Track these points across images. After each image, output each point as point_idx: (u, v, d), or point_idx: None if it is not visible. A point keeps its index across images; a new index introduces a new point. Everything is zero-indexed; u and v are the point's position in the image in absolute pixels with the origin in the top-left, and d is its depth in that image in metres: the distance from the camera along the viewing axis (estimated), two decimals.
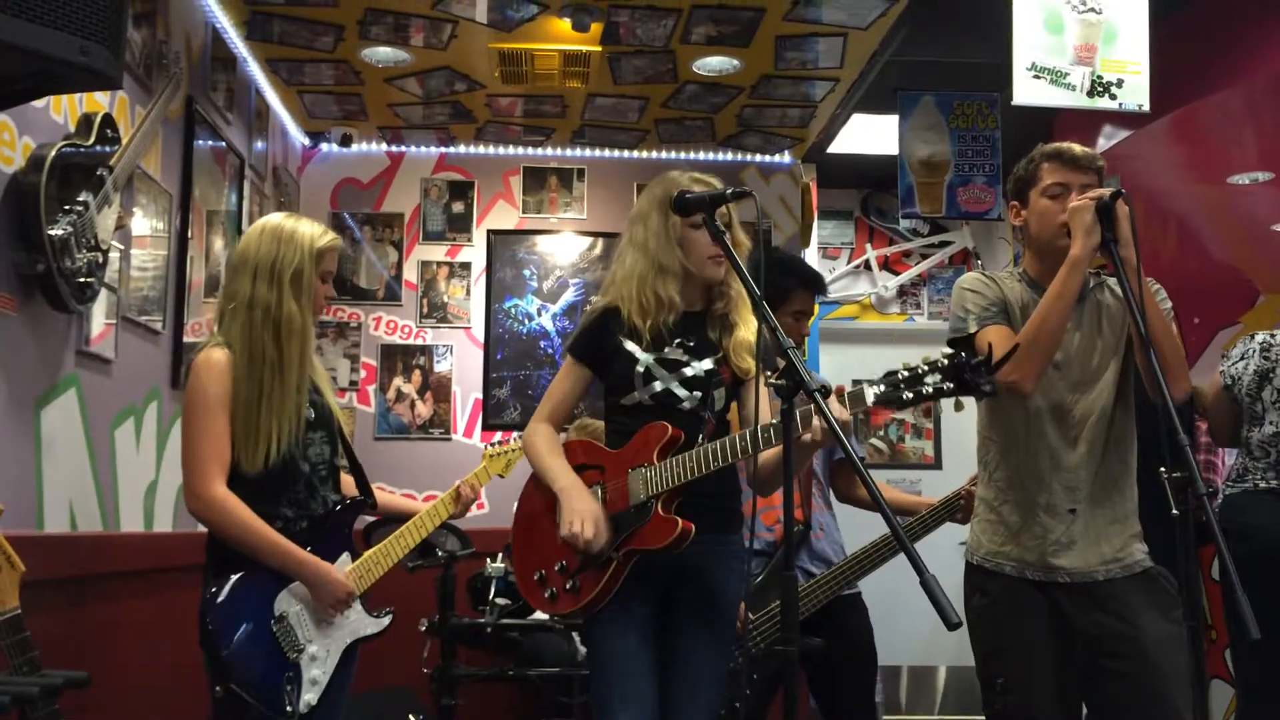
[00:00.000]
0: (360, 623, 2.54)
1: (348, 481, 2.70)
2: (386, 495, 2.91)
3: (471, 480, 2.89)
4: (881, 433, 6.40)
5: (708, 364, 2.39)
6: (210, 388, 2.37)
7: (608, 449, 2.42)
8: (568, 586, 2.36)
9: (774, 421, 2.08)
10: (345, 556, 2.53)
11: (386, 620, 2.60)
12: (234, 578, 2.35)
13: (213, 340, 2.44)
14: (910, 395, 1.90)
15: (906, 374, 1.90)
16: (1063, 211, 2.40)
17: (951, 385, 1.86)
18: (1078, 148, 2.47)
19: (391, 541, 2.67)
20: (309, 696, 2.37)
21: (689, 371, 2.38)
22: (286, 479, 2.44)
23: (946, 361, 1.86)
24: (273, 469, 2.39)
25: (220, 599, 2.34)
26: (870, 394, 1.99)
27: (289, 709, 2.32)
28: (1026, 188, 2.52)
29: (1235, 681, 3.80)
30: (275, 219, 2.53)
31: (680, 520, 2.25)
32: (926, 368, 1.88)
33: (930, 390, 1.87)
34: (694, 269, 2.39)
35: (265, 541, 2.35)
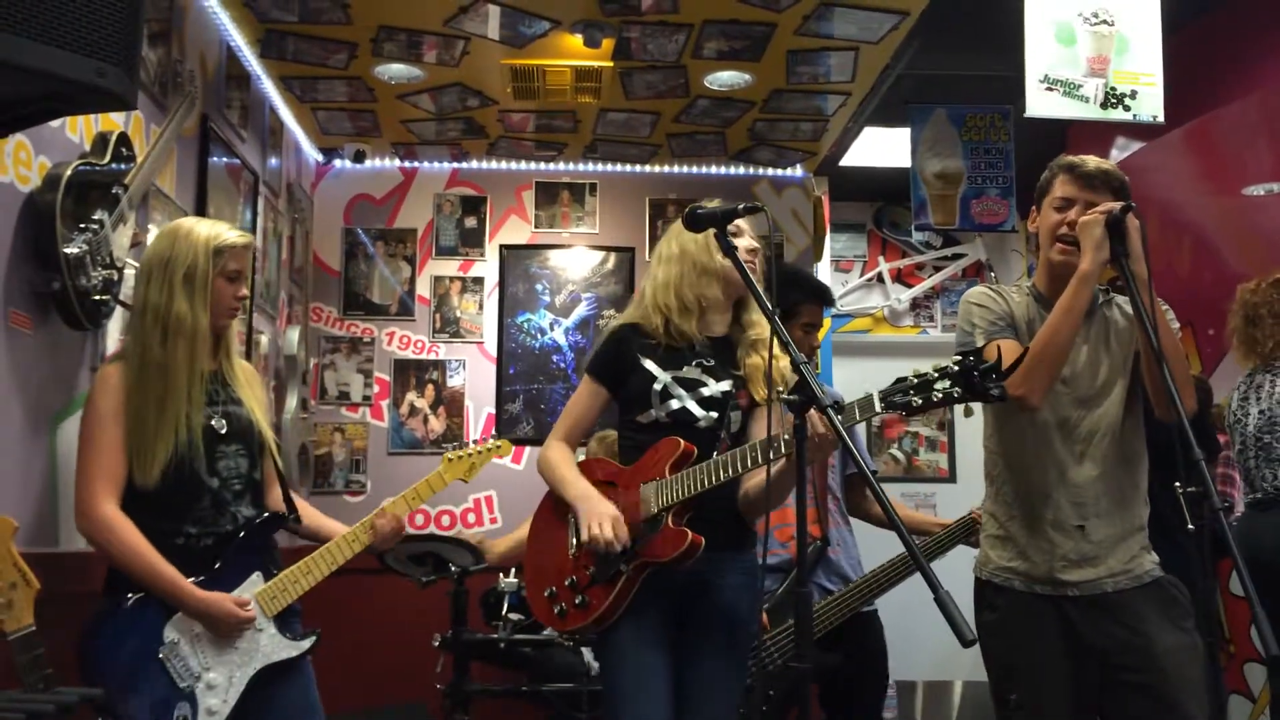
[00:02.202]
0: (273, 647, 2.39)
1: (277, 496, 2.59)
2: (318, 517, 2.70)
3: (393, 510, 2.64)
4: (896, 446, 6.38)
5: (725, 385, 2.40)
6: (100, 402, 2.31)
7: (622, 465, 2.43)
8: (577, 602, 2.37)
9: (782, 434, 2.08)
10: (256, 576, 2.41)
11: (306, 644, 2.44)
12: (122, 600, 2.26)
13: (119, 348, 2.37)
14: (919, 401, 1.89)
15: (916, 380, 1.90)
16: (1061, 225, 2.41)
17: (960, 391, 1.85)
18: (1093, 163, 2.46)
19: (316, 558, 2.49)
20: None
21: (706, 391, 2.39)
22: (188, 495, 2.34)
23: (956, 367, 1.86)
24: (169, 482, 2.30)
25: (103, 624, 2.24)
26: (878, 400, 1.98)
27: None
28: (1041, 196, 2.53)
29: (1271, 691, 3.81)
30: (179, 220, 2.46)
31: (690, 533, 2.26)
32: (936, 374, 1.88)
33: (940, 396, 1.86)
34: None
35: (149, 569, 2.24)
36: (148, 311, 2.35)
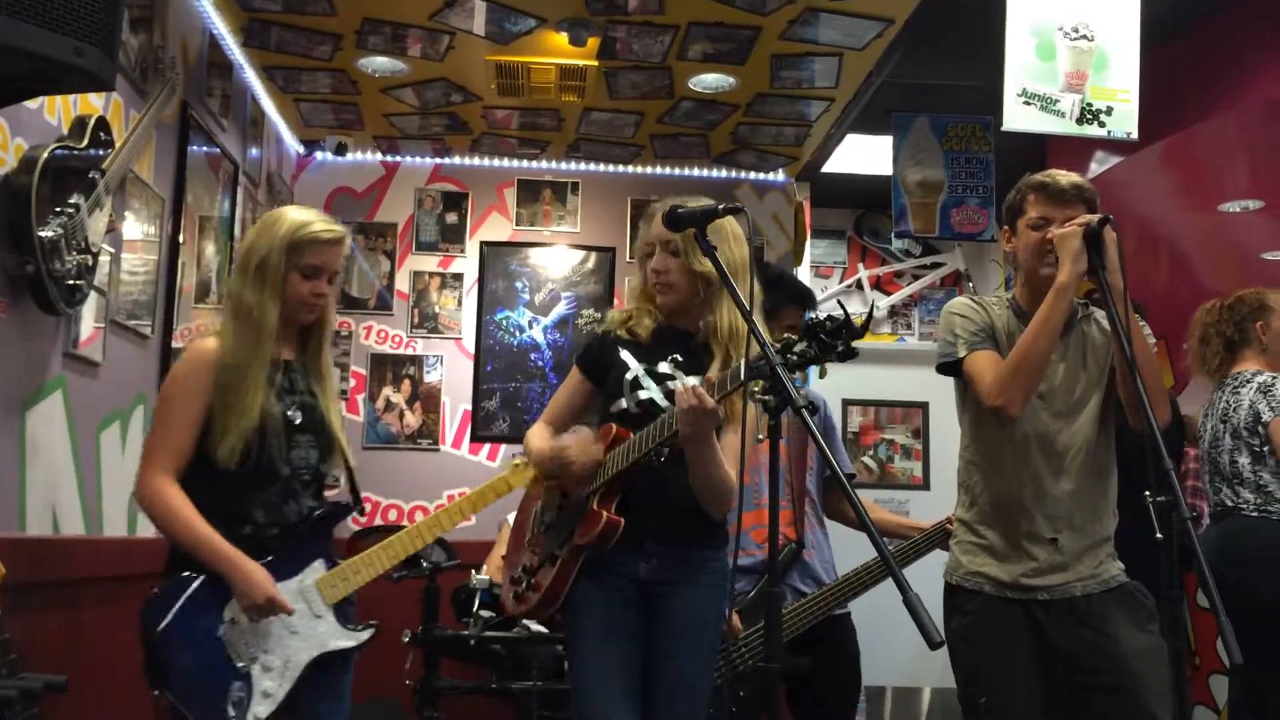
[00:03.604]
0: (330, 635, 2.39)
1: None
2: None
3: (455, 510, 2.65)
4: (871, 452, 6.40)
5: (693, 380, 2.40)
6: (184, 377, 2.33)
7: None
8: (525, 586, 2.45)
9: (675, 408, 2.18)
10: (319, 563, 2.43)
11: (365, 635, 2.45)
12: (185, 577, 2.27)
13: (214, 328, 2.42)
14: (781, 364, 1.92)
15: (778, 346, 1.94)
16: (1045, 244, 2.42)
17: (812, 351, 1.89)
18: (1064, 179, 2.47)
19: (377, 551, 2.51)
20: (259, 710, 2.25)
21: (673, 384, 2.40)
22: (262, 479, 2.35)
23: (804, 327, 1.91)
24: (248, 465, 2.31)
25: (166, 599, 2.25)
26: (744, 368, 2.04)
27: (236, 716, 2.21)
28: (1015, 216, 2.53)
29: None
30: (280, 208, 2.48)
31: (606, 514, 2.30)
32: (795, 338, 1.93)
33: (796, 358, 1.91)
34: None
35: (193, 534, 2.26)
36: (230, 297, 2.40)
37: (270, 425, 2.34)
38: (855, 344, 1.91)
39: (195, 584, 2.27)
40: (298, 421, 2.42)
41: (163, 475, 2.28)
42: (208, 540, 2.27)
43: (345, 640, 2.42)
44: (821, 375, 1.90)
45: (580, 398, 2.57)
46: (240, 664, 2.26)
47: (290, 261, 2.37)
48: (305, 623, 2.37)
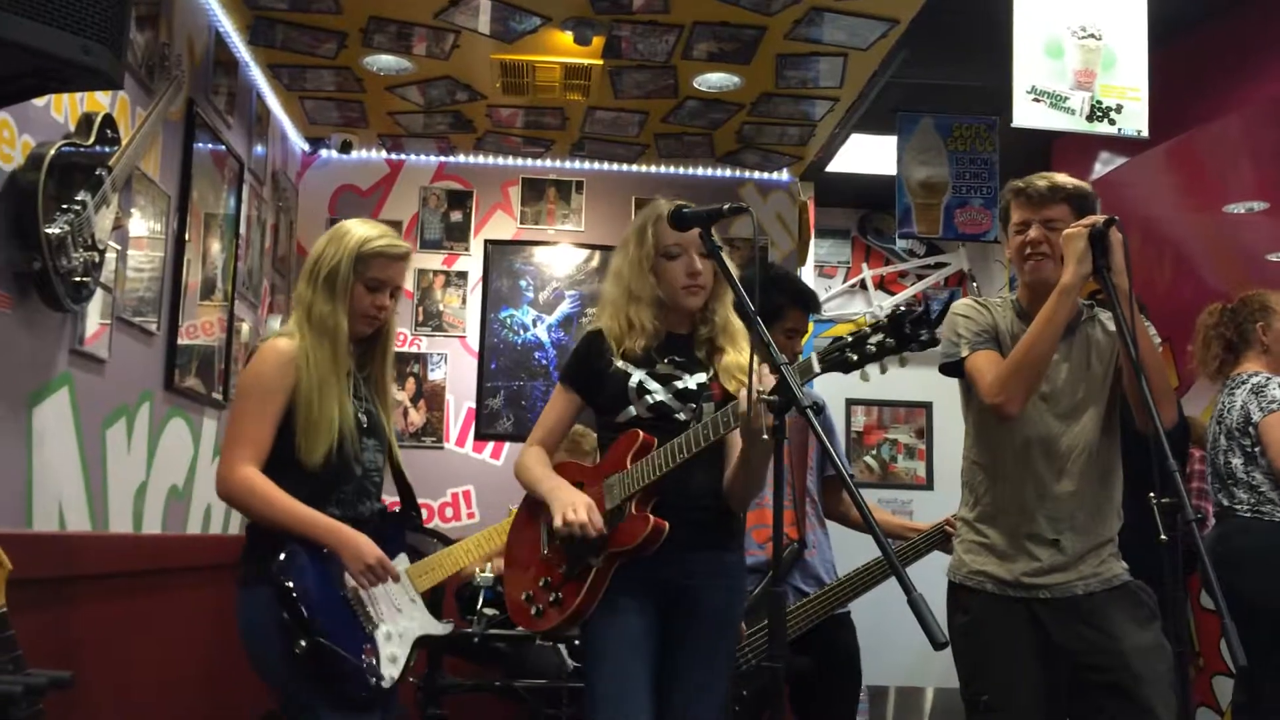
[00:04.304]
0: (426, 620, 2.53)
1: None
2: None
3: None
4: (874, 452, 6.40)
5: (700, 377, 2.40)
6: (263, 374, 2.40)
7: (588, 466, 2.46)
8: (551, 600, 2.37)
9: (732, 405, 2.15)
10: (402, 555, 2.54)
11: (449, 627, 2.61)
12: (297, 546, 2.33)
13: (284, 329, 2.48)
14: (855, 357, 1.92)
15: (851, 338, 1.92)
16: (1025, 245, 2.48)
17: (893, 341, 1.87)
18: (1040, 181, 2.50)
19: (460, 546, 2.64)
20: (391, 671, 2.37)
21: (680, 385, 2.39)
22: (339, 477, 2.43)
23: (886, 319, 1.89)
24: (330, 464, 2.38)
25: (293, 562, 2.31)
26: (817, 361, 2.00)
27: (370, 675, 2.32)
28: (1004, 221, 2.60)
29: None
30: (347, 220, 2.55)
31: (652, 517, 2.26)
32: (870, 330, 1.91)
33: (874, 349, 1.89)
34: (667, 298, 2.43)
35: (294, 513, 2.34)
36: (301, 304, 2.47)
37: (346, 426, 2.41)
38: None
39: (308, 553, 2.34)
40: (365, 424, 2.50)
41: (250, 466, 2.35)
42: (310, 516, 2.35)
43: (437, 629, 2.56)
44: (903, 363, 1.95)
45: (570, 415, 2.54)
46: (367, 628, 2.37)
47: (356, 273, 2.45)
48: (406, 604, 2.49)
